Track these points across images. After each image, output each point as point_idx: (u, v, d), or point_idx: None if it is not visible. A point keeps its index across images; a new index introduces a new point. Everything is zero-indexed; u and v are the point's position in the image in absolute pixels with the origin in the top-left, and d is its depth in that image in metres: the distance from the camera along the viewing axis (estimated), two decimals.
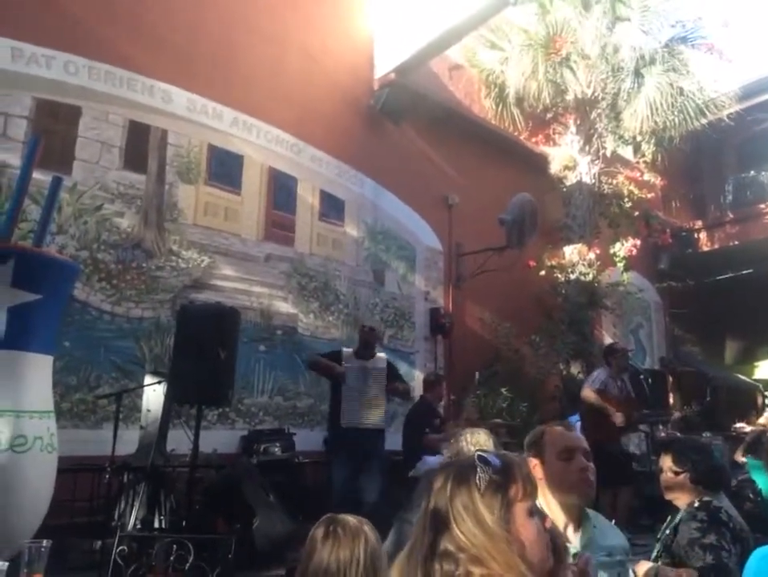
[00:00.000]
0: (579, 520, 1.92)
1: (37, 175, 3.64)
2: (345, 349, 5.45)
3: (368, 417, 5.10)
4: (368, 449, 5.02)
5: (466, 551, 1.06)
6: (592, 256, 8.70)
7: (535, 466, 2.01)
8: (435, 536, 1.10)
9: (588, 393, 5.90)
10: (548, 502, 1.95)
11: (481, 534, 1.06)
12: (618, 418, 5.70)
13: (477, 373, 7.95)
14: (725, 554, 2.27)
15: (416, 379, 7.47)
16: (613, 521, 2.60)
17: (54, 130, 5.38)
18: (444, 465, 1.25)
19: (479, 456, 1.15)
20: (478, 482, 1.10)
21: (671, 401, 9.69)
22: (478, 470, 1.12)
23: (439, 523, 1.10)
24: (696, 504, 2.49)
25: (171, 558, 2.45)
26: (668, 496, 2.63)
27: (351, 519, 1.73)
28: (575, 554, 1.68)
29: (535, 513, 1.14)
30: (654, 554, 2.58)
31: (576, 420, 5.84)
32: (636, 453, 7.40)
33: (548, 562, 1.12)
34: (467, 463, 1.15)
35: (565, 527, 1.90)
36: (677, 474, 2.58)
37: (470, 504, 1.09)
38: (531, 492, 1.14)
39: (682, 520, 2.48)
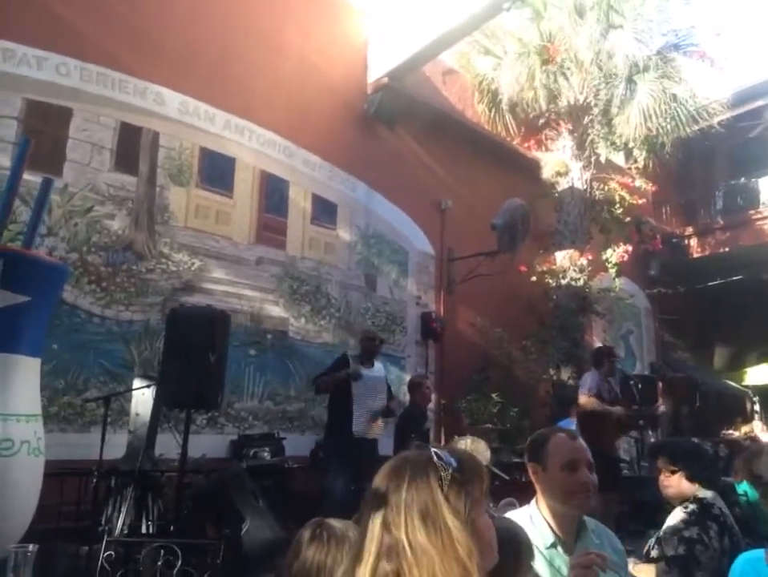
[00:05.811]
0: (577, 529, 1.91)
1: (27, 176, 3.61)
2: (350, 354, 5.40)
3: (373, 428, 5.10)
4: (368, 459, 4.99)
5: (410, 549, 1.00)
6: (583, 261, 8.72)
7: (535, 473, 1.99)
8: (383, 534, 1.03)
9: (587, 400, 5.92)
10: (542, 509, 1.94)
11: (428, 536, 1.00)
12: (619, 410, 5.82)
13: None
14: (700, 548, 2.35)
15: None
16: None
17: (44, 131, 5.35)
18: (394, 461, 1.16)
19: (437, 453, 1.07)
20: (440, 481, 1.03)
21: (661, 406, 9.72)
22: (439, 468, 1.05)
23: (388, 522, 1.03)
24: (690, 499, 2.57)
25: (159, 563, 2.43)
26: (667, 496, 2.71)
27: (338, 524, 1.71)
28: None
29: (488, 510, 1.12)
30: (646, 547, 2.63)
31: (565, 424, 5.84)
32: (626, 459, 7.42)
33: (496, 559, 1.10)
34: (423, 459, 1.08)
35: (564, 537, 1.88)
36: (673, 472, 2.65)
37: (431, 504, 1.02)
38: (486, 489, 1.11)
39: (673, 512, 2.55)
